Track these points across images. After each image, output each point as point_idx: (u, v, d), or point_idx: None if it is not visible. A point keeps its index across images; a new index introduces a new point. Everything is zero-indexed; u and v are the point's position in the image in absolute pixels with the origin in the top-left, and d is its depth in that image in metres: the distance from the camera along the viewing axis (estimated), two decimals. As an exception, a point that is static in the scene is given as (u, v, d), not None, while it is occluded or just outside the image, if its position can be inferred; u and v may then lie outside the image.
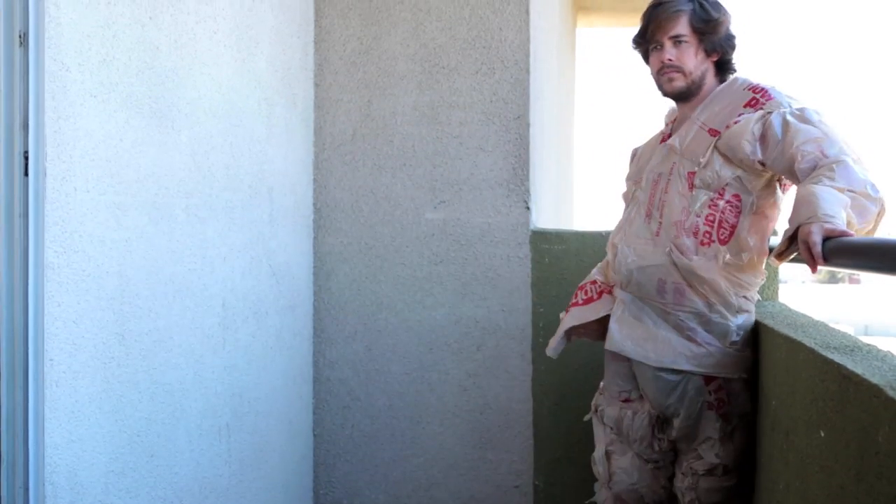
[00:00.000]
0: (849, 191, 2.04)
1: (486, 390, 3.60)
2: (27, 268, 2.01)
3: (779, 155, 2.26)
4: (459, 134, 3.62)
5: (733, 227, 2.38)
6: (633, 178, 2.66)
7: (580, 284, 2.78)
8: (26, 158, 2.00)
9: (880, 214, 2.09)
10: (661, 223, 2.44)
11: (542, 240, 3.56)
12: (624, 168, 2.84)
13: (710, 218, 2.38)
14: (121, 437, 2.34)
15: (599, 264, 2.79)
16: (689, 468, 2.50)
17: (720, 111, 2.43)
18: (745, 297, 2.44)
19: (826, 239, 1.92)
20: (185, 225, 2.64)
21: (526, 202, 3.58)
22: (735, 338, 2.42)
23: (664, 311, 2.44)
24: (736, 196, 2.38)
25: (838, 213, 1.97)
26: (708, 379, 2.43)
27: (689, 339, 2.41)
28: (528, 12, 3.60)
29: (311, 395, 3.71)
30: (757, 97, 2.37)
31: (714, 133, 2.39)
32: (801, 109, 2.29)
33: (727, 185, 2.38)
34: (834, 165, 2.11)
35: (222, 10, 2.85)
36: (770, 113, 2.32)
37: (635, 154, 2.79)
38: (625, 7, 8.25)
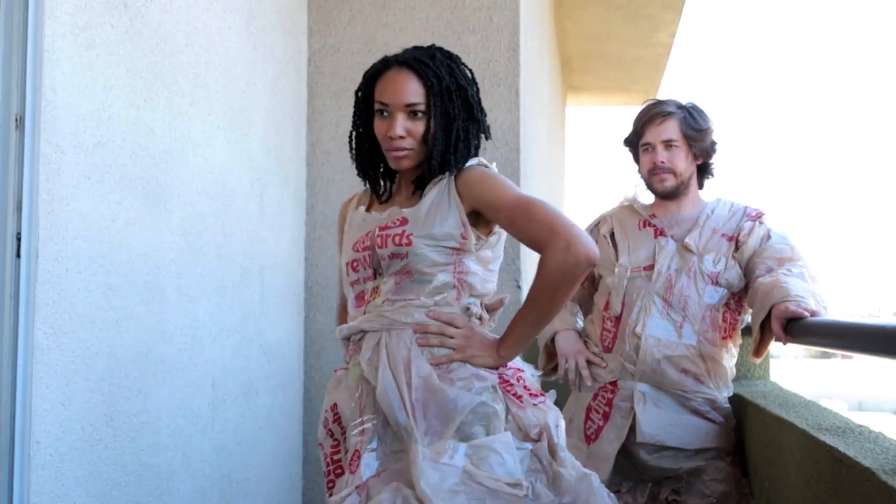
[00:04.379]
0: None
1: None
2: (16, 349, 2.00)
3: (750, 257, 2.56)
4: (450, 213, 3.64)
5: (736, 322, 2.62)
6: (631, 267, 2.66)
7: (587, 405, 2.66)
8: (19, 240, 2.01)
9: None
10: (684, 316, 2.57)
11: (534, 318, 3.55)
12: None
13: (725, 314, 2.59)
14: (107, 521, 2.30)
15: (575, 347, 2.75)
16: None
17: (728, 218, 2.65)
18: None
19: (798, 318, 2.14)
20: (176, 305, 2.64)
21: (517, 281, 3.59)
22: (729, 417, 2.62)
23: (684, 397, 2.56)
24: (741, 298, 2.61)
25: (808, 297, 2.20)
26: (723, 452, 2.60)
27: (708, 420, 2.57)
28: (518, 94, 3.67)
29: (300, 476, 3.66)
30: (752, 213, 2.64)
31: (729, 238, 2.61)
32: (782, 233, 2.60)
33: (737, 286, 2.59)
34: (794, 271, 2.41)
35: (216, 92, 2.89)
36: (762, 225, 2.61)
37: (599, 224, 2.83)
38: (613, 87, 8.43)
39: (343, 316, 2.03)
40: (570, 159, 9.58)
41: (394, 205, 1.96)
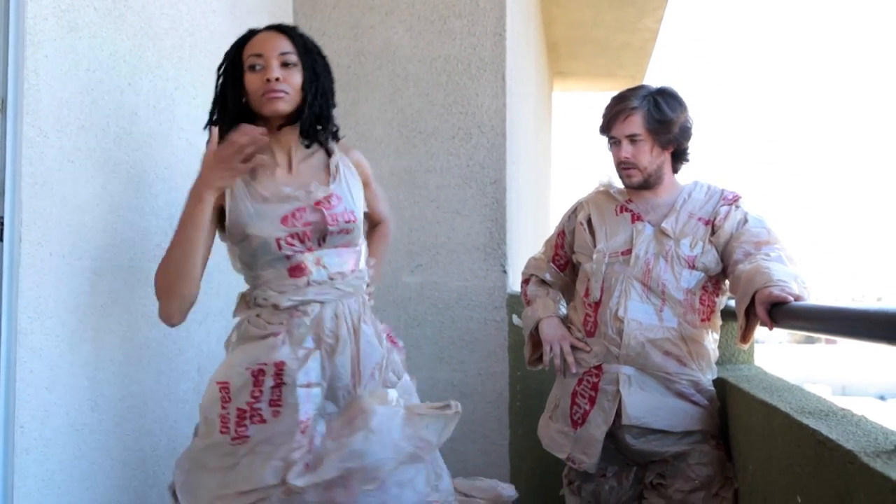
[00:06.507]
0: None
1: (464, 455, 3.57)
2: None
3: (727, 241, 2.57)
4: (436, 198, 3.64)
5: (714, 304, 2.63)
6: (609, 252, 2.67)
7: (572, 390, 2.66)
8: (1, 224, 1.99)
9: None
10: (663, 300, 2.58)
11: (520, 303, 3.56)
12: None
13: (703, 297, 2.60)
14: (92, 505, 2.30)
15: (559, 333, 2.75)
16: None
17: (704, 202, 2.66)
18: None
19: (782, 303, 2.14)
20: (161, 289, 2.62)
21: (503, 266, 3.60)
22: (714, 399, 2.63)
23: (668, 380, 2.58)
24: (718, 280, 2.63)
25: (790, 280, 2.21)
26: (708, 435, 2.61)
27: (693, 402, 2.58)
28: (504, 79, 3.66)
29: (286, 461, 3.65)
30: (728, 197, 2.65)
31: (706, 222, 2.62)
32: (758, 216, 2.62)
33: (714, 269, 2.60)
34: (772, 255, 2.42)
35: (201, 76, 2.88)
36: (738, 209, 2.63)
37: (577, 211, 2.84)
38: (600, 72, 8.42)
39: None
40: (558, 145, 9.59)
41: (276, 175, 2.14)
